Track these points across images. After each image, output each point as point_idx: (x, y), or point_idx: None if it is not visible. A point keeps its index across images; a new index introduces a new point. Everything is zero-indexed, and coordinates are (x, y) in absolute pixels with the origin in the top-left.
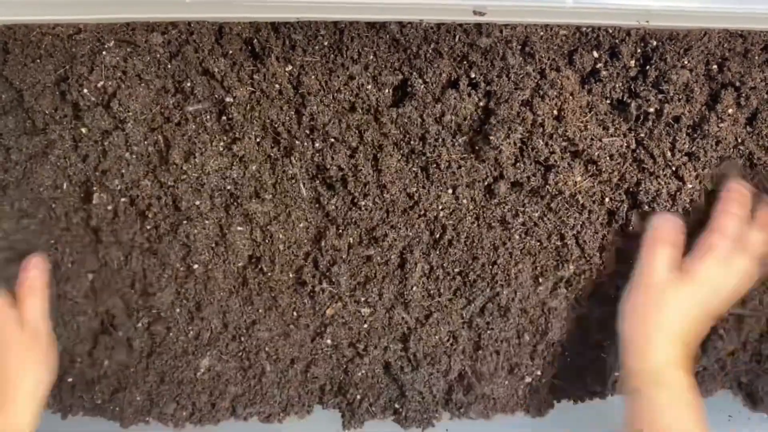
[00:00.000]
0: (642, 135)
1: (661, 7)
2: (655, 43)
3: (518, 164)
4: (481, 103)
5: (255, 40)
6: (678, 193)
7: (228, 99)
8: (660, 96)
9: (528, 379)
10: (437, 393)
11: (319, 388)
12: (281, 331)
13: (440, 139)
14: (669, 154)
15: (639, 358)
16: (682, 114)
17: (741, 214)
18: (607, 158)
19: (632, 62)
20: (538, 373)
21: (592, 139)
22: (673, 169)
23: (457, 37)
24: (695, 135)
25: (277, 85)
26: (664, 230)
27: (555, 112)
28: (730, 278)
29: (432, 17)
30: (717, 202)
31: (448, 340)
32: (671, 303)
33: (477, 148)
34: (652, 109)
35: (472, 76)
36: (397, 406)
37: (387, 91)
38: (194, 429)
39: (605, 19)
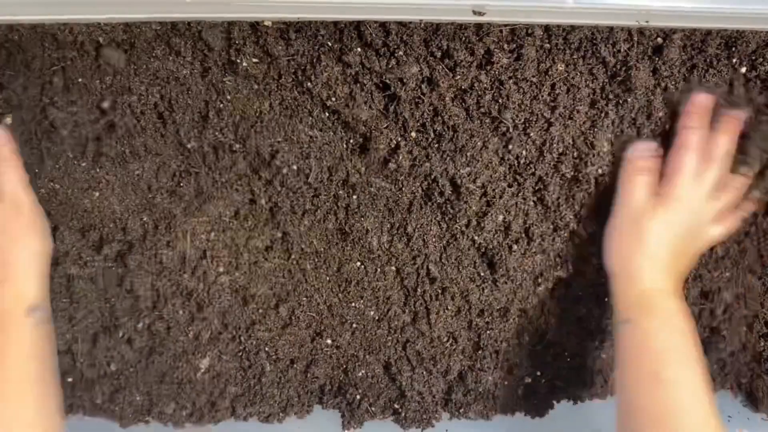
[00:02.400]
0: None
1: (661, 7)
2: None
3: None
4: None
5: (255, 39)
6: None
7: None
8: None
9: (527, 380)
10: (437, 393)
11: (318, 388)
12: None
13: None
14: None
15: (627, 288)
16: None
17: (702, 126)
18: None
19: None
20: (538, 373)
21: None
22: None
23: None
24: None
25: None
26: (639, 157)
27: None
28: (703, 191)
29: (431, 17)
30: (679, 119)
31: (447, 340)
32: (653, 229)
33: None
34: None
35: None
36: (396, 406)
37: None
38: (194, 429)
39: (605, 19)
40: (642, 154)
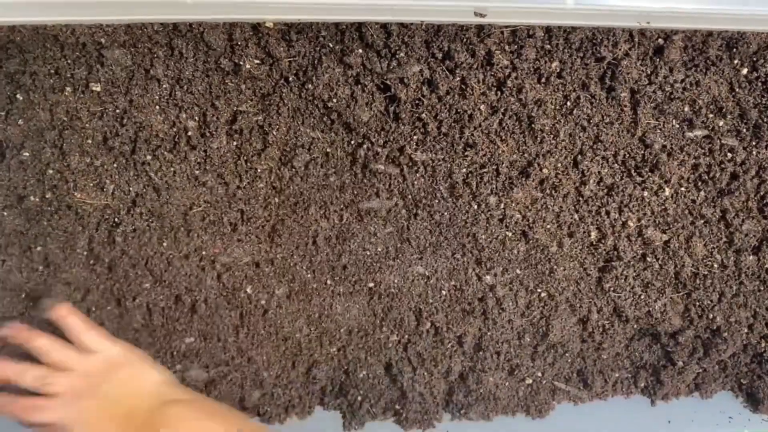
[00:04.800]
0: None
1: (661, 8)
2: None
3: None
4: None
5: (257, 40)
6: None
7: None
8: None
9: (528, 381)
10: (438, 394)
11: (320, 389)
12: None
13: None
14: None
15: None
16: None
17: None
18: None
19: None
20: (539, 374)
21: None
22: None
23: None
24: None
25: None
26: None
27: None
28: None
29: (433, 18)
30: None
31: (449, 341)
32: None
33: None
34: None
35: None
36: (397, 407)
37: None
38: None
39: (605, 20)
40: None
